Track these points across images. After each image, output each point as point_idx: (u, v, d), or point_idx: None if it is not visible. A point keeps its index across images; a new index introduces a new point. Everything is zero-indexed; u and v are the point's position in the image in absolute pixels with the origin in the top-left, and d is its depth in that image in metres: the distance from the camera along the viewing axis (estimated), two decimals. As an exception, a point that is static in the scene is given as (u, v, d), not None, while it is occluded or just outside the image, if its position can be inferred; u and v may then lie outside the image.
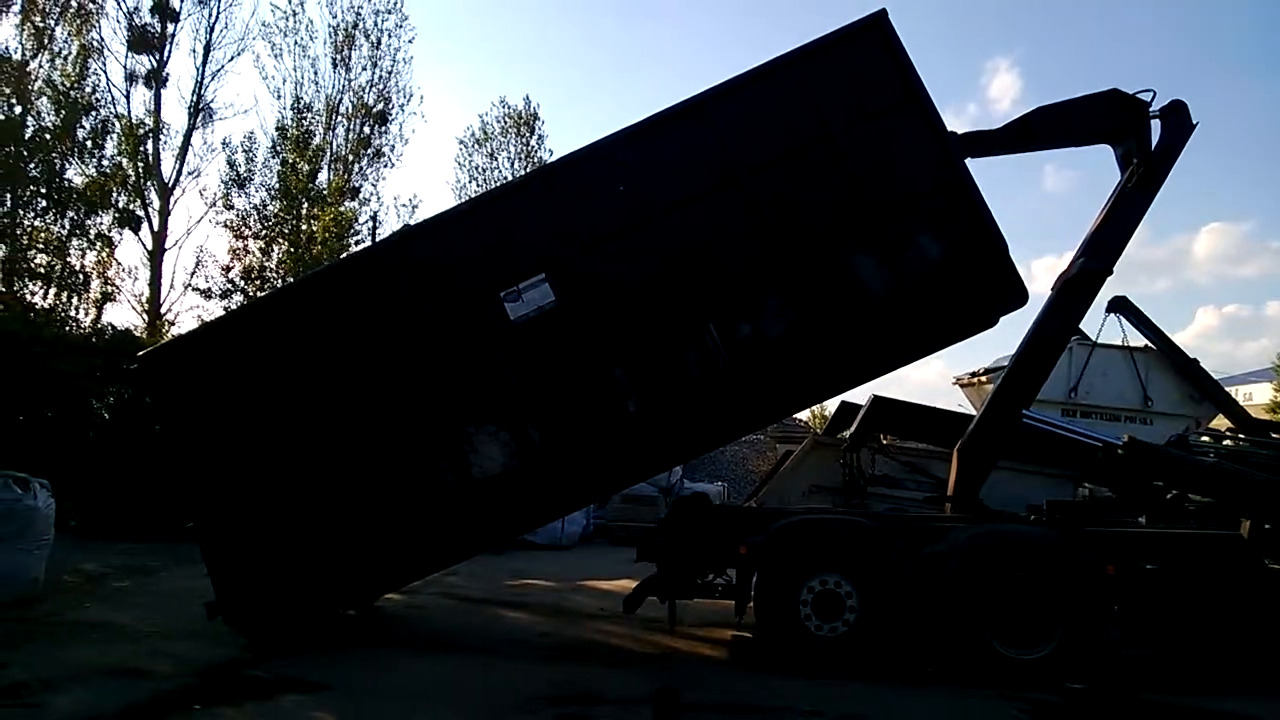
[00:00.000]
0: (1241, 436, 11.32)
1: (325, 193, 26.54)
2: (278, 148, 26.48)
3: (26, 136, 21.11)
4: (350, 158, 28.40)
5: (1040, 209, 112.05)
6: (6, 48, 21.32)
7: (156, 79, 24.49)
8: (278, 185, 26.07)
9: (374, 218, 28.31)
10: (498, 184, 33.68)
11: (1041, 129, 8.44)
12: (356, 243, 26.75)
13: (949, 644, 7.40)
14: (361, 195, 28.55)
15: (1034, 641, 7.24)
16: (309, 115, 27.18)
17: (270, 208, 25.84)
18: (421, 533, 7.65)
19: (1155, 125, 8.41)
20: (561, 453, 7.53)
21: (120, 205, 23.40)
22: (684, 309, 7.53)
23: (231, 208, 25.57)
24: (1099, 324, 15.34)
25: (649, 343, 7.55)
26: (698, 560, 8.06)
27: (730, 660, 8.06)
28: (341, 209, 25.90)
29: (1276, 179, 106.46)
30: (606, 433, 7.56)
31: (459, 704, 6.30)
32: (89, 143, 22.50)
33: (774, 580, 7.50)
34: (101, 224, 22.77)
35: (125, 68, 24.24)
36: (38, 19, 21.79)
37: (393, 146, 29.10)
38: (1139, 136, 8.33)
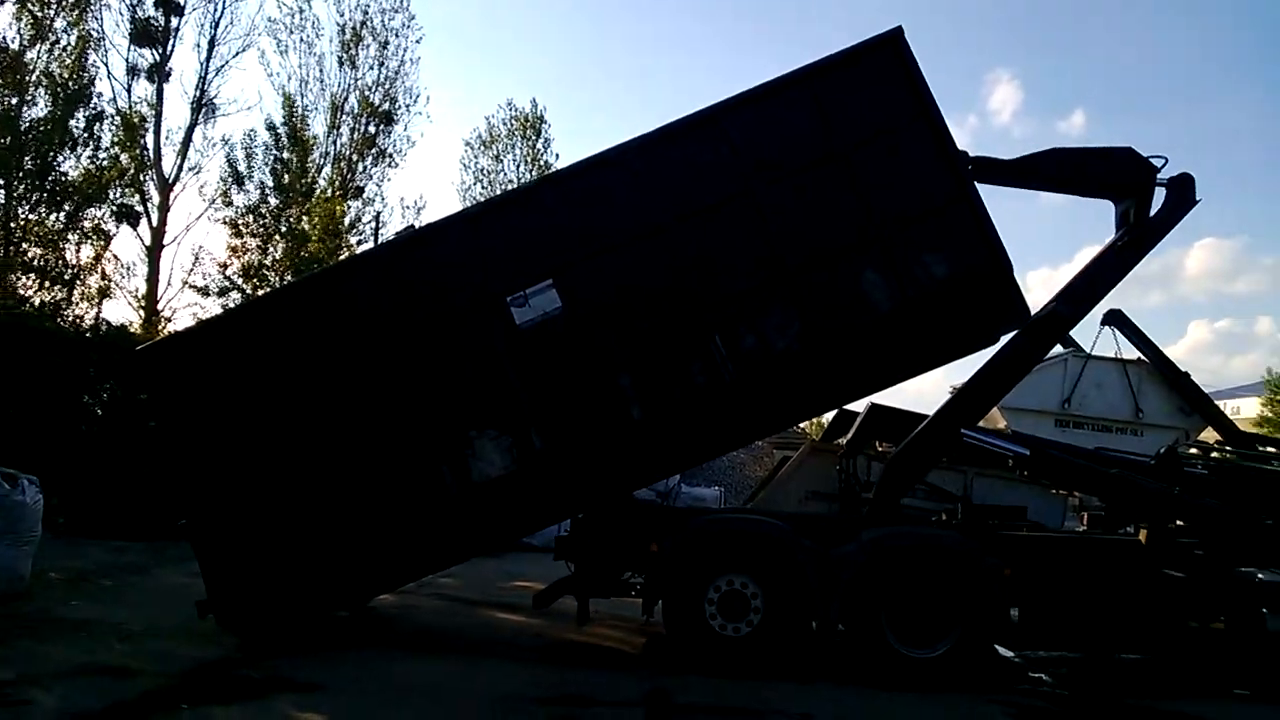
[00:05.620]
0: (1229, 449, 11.40)
1: (318, 189, 26.47)
2: (269, 146, 26.49)
3: (22, 129, 20.97)
4: (355, 157, 28.35)
5: (1037, 221, 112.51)
6: (3, 37, 21.17)
7: (159, 73, 24.43)
8: (272, 183, 26.05)
9: (377, 218, 28.30)
10: (504, 186, 33.81)
11: (1050, 172, 8.53)
12: (358, 243, 26.73)
13: (850, 642, 7.57)
14: (365, 195, 28.55)
15: (931, 641, 7.38)
16: (299, 110, 27.06)
17: (267, 203, 25.81)
18: (418, 534, 7.63)
19: (1160, 192, 8.42)
20: (563, 459, 7.52)
21: (116, 199, 23.28)
22: (691, 319, 7.53)
23: (230, 204, 25.54)
24: (1094, 336, 15.32)
25: (655, 352, 7.56)
26: (614, 559, 8.10)
27: (644, 658, 8.14)
28: (333, 205, 25.77)
29: (1269, 195, 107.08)
30: (609, 440, 7.56)
31: (451, 705, 6.29)
32: (86, 134, 22.35)
33: (681, 580, 7.55)
34: (98, 217, 22.63)
35: (127, 61, 24.21)
36: (36, 8, 21.64)
37: (398, 148, 29.06)
38: (1141, 200, 8.39)
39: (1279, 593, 7.46)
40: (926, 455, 8.70)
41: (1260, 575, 7.57)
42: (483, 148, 35.99)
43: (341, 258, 22.70)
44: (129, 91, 24.20)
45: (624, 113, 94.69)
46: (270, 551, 7.61)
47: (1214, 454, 10.39)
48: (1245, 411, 38.41)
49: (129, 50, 24.21)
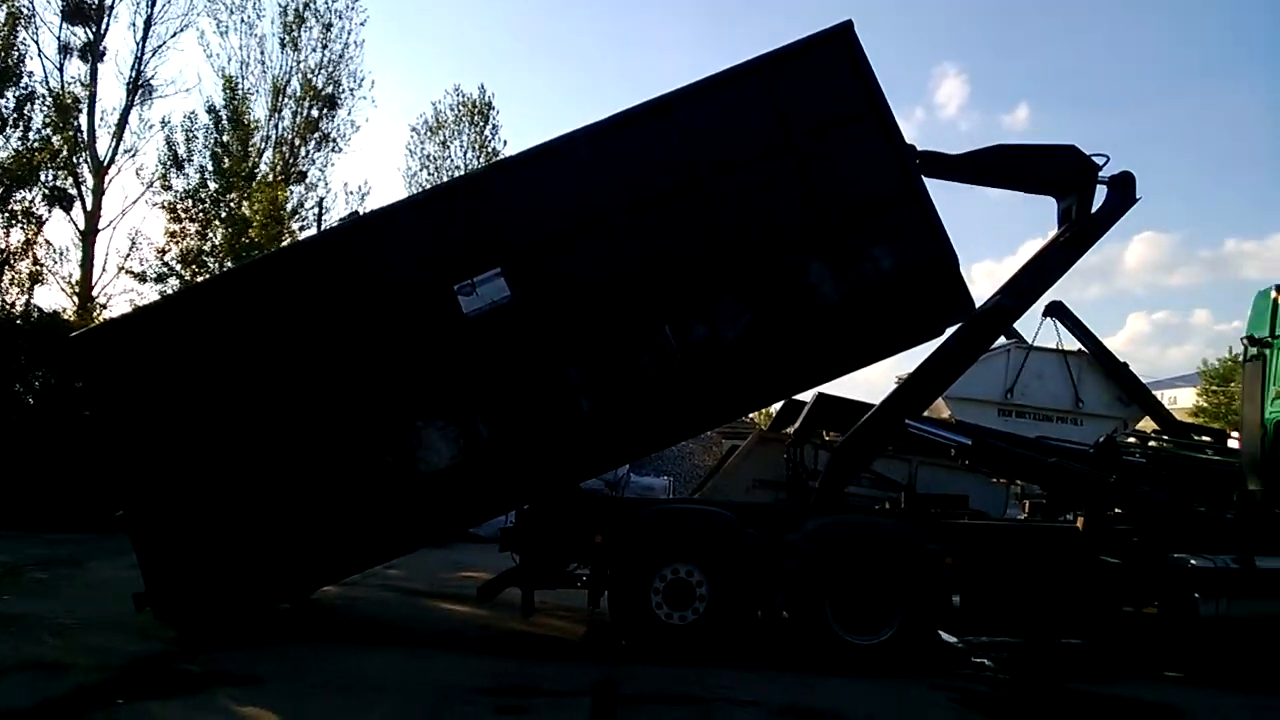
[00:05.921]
0: (1166, 438, 11.74)
1: (260, 174, 25.86)
2: (209, 129, 25.80)
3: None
4: (297, 141, 27.75)
5: (981, 214, 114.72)
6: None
7: (93, 52, 23.57)
8: (212, 167, 25.41)
9: (321, 204, 27.75)
10: (450, 173, 33.33)
11: (995, 168, 8.65)
12: (301, 229, 26.19)
13: (794, 629, 7.67)
14: (309, 180, 27.96)
15: (875, 627, 7.51)
16: (240, 93, 26.35)
17: (207, 188, 25.14)
18: (363, 525, 7.52)
19: (1101, 190, 8.53)
20: (511, 449, 7.47)
21: (48, 182, 22.46)
22: (640, 309, 7.52)
23: (169, 188, 24.84)
24: (1036, 328, 15.65)
25: (604, 342, 7.54)
26: (559, 550, 8.12)
27: (590, 647, 8.18)
28: (275, 190, 25.19)
29: (1205, 190, 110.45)
30: (558, 431, 7.53)
31: (395, 696, 6.21)
32: (16, 115, 21.51)
33: (627, 569, 7.60)
34: (28, 200, 21.81)
35: (59, 39, 23.33)
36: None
37: (342, 132, 28.50)
38: (1083, 198, 8.52)
39: (1211, 578, 7.67)
40: (872, 444, 8.82)
41: (1193, 561, 7.77)
42: (429, 134, 35.57)
43: (284, 244, 22.20)
44: (61, 71, 23.33)
45: (574, 103, 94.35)
46: (210, 542, 7.44)
47: (1151, 443, 10.69)
48: (1182, 401, 39.61)
49: (61, 28, 23.35)
